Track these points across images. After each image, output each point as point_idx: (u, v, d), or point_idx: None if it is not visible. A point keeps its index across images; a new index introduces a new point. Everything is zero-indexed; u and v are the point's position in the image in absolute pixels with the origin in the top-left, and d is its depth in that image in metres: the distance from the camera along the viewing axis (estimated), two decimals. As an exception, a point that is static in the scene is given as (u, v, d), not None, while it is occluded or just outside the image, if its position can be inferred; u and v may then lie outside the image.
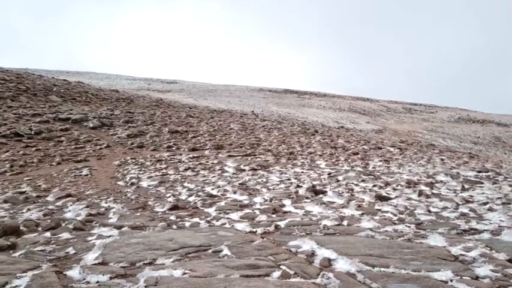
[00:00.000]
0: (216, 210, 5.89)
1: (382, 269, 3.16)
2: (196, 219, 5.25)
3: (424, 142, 26.12)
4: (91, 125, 16.92)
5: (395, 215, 5.42)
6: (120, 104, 23.44)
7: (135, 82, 53.44)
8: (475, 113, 56.51)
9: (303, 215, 5.50)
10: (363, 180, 8.34)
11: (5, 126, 15.05)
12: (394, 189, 7.47)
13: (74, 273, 3.08)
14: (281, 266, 3.20)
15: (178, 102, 29.85)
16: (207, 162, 11.64)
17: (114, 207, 6.40)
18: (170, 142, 14.97)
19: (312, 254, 3.57)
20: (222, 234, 4.21)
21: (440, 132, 39.10)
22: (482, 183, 8.08)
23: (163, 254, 3.50)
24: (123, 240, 3.99)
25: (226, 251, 3.61)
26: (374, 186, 7.79)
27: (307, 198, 6.74)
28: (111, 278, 2.95)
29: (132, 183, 9.00)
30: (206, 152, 13.39)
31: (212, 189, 7.87)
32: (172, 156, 12.58)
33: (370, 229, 4.48)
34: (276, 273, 3.04)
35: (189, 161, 11.74)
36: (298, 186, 7.76)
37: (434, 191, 7.25)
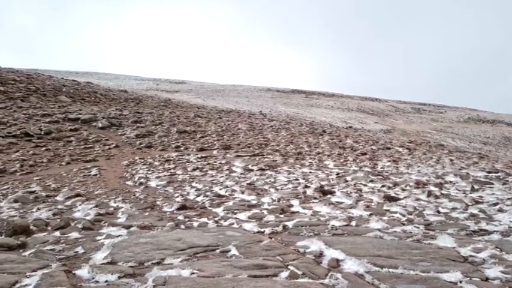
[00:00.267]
0: (224, 210, 5.90)
1: (390, 269, 3.15)
2: (204, 219, 5.26)
3: (433, 142, 25.94)
4: (100, 125, 17.02)
5: (404, 216, 5.39)
6: (129, 104, 23.55)
7: (144, 82, 53.66)
8: (485, 113, 56.04)
9: (311, 215, 5.49)
10: (371, 181, 8.31)
11: (15, 126, 15.19)
12: (403, 190, 7.43)
13: (83, 272, 3.10)
14: (289, 267, 3.20)
15: (187, 103, 29.92)
16: (215, 162, 11.66)
17: (122, 207, 6.44)
18: (178, 142, 15.01)
19: (320, 255, 3.56)
20: (230, 234, 4.22)
21: (449, 133, 38.83)
22: (492, 183, 8.01)
23: (172, 254, 3.51)
24: (131, 239, 4.01)
25: (234, 251, 3.61)
26: (382, 186, 7.76)
27: (315, 198, 6.73)
28: (119, 278, 2.97)
29: (141, 183, 9.04)
30: (214, 152, 13.41)
31: (220, 189, 7.88)
32: (181, 156, 12.62)
33: (379, 230, 4.46)
34: (284, 274, 3.04)
35: (197, 161, 11.76)
36: (306, 186, 7.75)
37: (443, 192, 7.19)
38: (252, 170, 10.23)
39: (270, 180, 8.66)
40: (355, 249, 3.61)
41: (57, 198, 7.62)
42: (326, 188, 7.50)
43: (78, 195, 7.67)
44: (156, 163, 11.63)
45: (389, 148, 15.78)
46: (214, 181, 8.88)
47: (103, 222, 5.11)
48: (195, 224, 4.99)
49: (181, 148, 14.19)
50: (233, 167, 10.83)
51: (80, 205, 6.58)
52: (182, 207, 6.14)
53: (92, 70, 65.57)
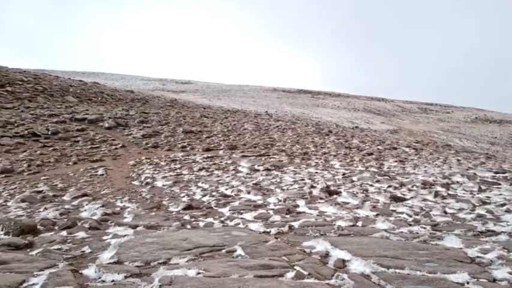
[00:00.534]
0: (230, 210, 5.90)
1: (397, 270, 3.13)
2: (210, 219, 5.27)
3: (440, 142, 25.82)
4: (106, 125, 17.09)
5: (410, 216, 5.36)
6: (135, 104, 23.64)
7: (150, 82, 53.81)
8: (492, 113, 55.67)
9: (317, 215, 5.48)
10: (377, 181, 8.28)
11: (23, 126, 15.29)
12: (410, 190, 7.40)
13: (89, 272, 3.12)
14: (295, 267, 3.20)
15: (193, 103, 29.98)
16: (221, 162, 11.67)
17: (129, 207, 6.46)
18: (184, 142, 15.04)
19: (326, 255, 3.55)
20: (236, 234, 4.22)
21: (456, 133, 38.62)
22: (500, 184, 7.96)
23: (178, 254, 3.52)
24: (138, 239, 4.02)
25: (240, 251, 3.61)
26: (389, 186, 7.73)
27: (321, 198, 6.71)
28: (126, 277, 2.98)
29: (147, 183, 9.06)
30: (220, 152, 13.43)
31: (226, 189, 7.89)
32: (187, 156, 12.64)
33: (385, 230, 4.44)
34: (290, 274, 3.03)
35: (203, 161, 11.78)
36: (312, 186, 7.73)
37: (450, 192, 7.16)
38: (258, 170, 10.23)
39: (276, 181, 8.65)
40: (362, 250, 3.60)
41: (64, 198, 7.66)
42: (332, 188, 7.48)
43: (84, 195, 7.71)
44: (162, 163, 11.66)
45: (395, 148, 15.72)
46: (220, 181, 8.89)
47: (109, 222, 5.13)
48: (201, 224, 5.00)
49: (188, 148, 14.22)
50: (239, 167, 10.83)
51: (87, 205, 6.61)
52: (188, 207, 6.15)
53: (98, 70, 65.85)
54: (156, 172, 10.35)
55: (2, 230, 4.51)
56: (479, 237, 4.22)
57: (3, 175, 10.27)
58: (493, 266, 3.26)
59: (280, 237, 4.22)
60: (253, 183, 8.32)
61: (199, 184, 8.67)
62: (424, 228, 4.66)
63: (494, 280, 2.98)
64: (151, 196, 7.59)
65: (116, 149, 13.74)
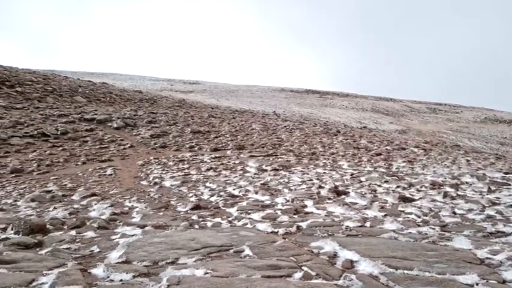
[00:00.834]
0: (237, 210, 5.91)
1: (405, 271, 3.11)
2: (218, 219, 5.28)
3: (449, 143, 25.65)
4: (115, 125, 17.18)
5: (419, 217, 5.33)
6: (144, 104, 23.73)
7: (158, 83, 54.02)
8: (502, 113, 55.21)
9: (325, 215, 5.47)
10: (386, 181, 8.24)
11: (33, 126, 15.42)
12: (418, 191, 7.35)
13: (98, 271, 3.13)
14: (303, 267, 3.19)
15: (201, 103, 30.04)
16: (228, 162, 11.68)
17: (137, 207, 6.49)
18: (192, 142, 15.08)
19: (334, 256, 3.54)
20: (244, 234, 4.22)
21: (465, 133, 38.35)
22: (510, 184, 7.88)
23: (186, 254, 3.53)
24: (146, 239, 4.04)
25: (247, 251, 3.61)
26: (397, 187, 7.69)
27: (329, 199, 6.70)
28: (134, 277, 2.99)
29: (155, 183, 9.10)
30: (228, 152, 13.44)
31: (234, 189, 7.89)
32: (195, 157, 12.67)
33: (394, 231, 4.42)
34: (298, 274, 3.03)
35: (211, 161, 11.80)
36: (320, 186, 7.71)
37: (459, 193, 7.10)
38: (265, 170, 10.23)
39: (283, 181, 8.64)
40: (370, 251, 3.58)
41: (73, 197, 7.71)
42: (340, 188, 7.46)
43: (93, 194, 7.76)
44: (171, 163, 11.70)
45: (404, 148, 15.64)
46: (228, 181, 8.90)
47: (118, 221, 5.15)
48: (209, 224, 5.00)
49: (195, 148, 14.25)
50: (247, 167, 10.83)
51: (96, 204, 6.65)
52: (196, 207, 6.17)
53: (107, 71, 66.21)
54: (164, 172, 10.39)
55: (12, 230, 4.55)
56: (489, 238, 4.19)
57: (14, 175, 10.37)
58: (503, 267, 3.23)
59: (288, 237, 4.22)
60: (261, 184, 8.32)
61: (207, 184, 8.69)
62: (433, 229, 4.63)
63: (504, 282, 2.95)
64: (159, 196, 7.61)
65: (125, 149, 13.81)
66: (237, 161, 11.77)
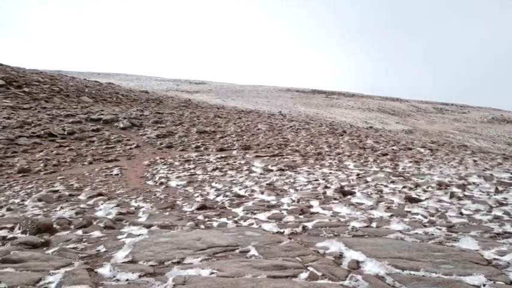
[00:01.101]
0: (243, 211, 5.90)
1: (412, 272, 3.10)
2: (223, 219, 5.28)
3: (455, 143, 25.52)
4: (121, 125, 17.25)
5: (425, 217, 5.30)
6: (150, 104, 23.81)
7: (164, 83, 54.17)
8: (509, 113, 54.83)
9: (331, 216, 5.45)
10: (392, 182, 8.21)
11: (40, 126, 15.51)
12: (425, 191, 7.32)
13: (104, 270, 3.15)
14: (309, 268, 3.18)
15: (206, 103, 30.09)
16: (234, 162, 11.69)
17: (143, 207, 6.51)
18: (198, 142, 15.11)
19: (340, 256, 3.53)
20: (250, 234, 4.22)
21: (472, 133, 38.14)
22: (517, 185, 7.83)
23: (191, 254, 3.53)
24: (152, 239, 4.05)
25: (253, 251, 3.61)
26: (404, 187, 7.66)
27: (335, 199, 6.68)
28: (140, 276, 3.00)
29: (161, 183, 9.12)
30: (234, 152, 13.45)
31: (240, 189, 7.89)
32: (201, 157, 12.69)
33: (400, 231, 4.40)
34: (304, 275, 3.02)
35: (217, 161, 11.82)
36: (326, 187, 7.69)
37: (466, 193, 7.06)
38: (271, 171, 10.22)
39: (289, 181, 8.64)
40: (376, 251, 3.57)
41: (80, 197, 7.75)
42: (346, 188, 7.44)
43: (100, 194, 7.79)
44: (177, 163, 11.72)
45: (410, 149, 15.58)
46: (234, 181, 8.91)
47: (124, 221, 5.17)
48: (215, 224, 5.01)
49: (201, 148, 14.28)
50: (252, 167, 10.84)
51: (102, 204, 6.68)
52: (202, 207, 6.17)
53: (113, 71, 66.46)
54: (170, 172, 10.41)
55: (19, 229, 4.58)
56: (496, 239, 4.16)
57: (21, 174, 10.44)
58: (510, 268, 3.20)
59: (294, 237, 4.21)
60: (267, 184, 8.32)
61: (213, 184, 8.70)
62: (440, 229, 4.60)
63: (511, 283, 2.93)
64: (165, 196, 7.63)
65: (131, 149, 13.86)
66: (242, 161, 11.77)
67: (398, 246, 3.73)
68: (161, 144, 14.77)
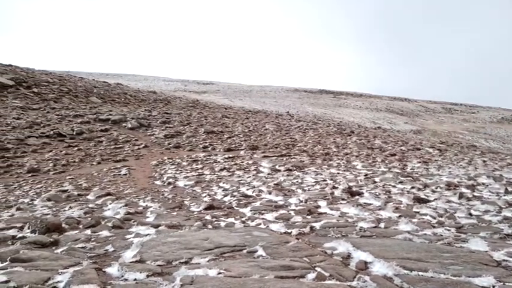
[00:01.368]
0: (251, 211, 5.90)
1: (420, 273, 3.08)
2: (231, 219, 5.28)
3: (465, 143, 25.34)
4: (130, 125, 17.33)
5: (434, 218, 5.27)
6: (158, 105, 23.89)
7: (172, 83, 54.33)
8: (519, 112, 54.35)
9: (339, 216, 5.44)
10: (400, 182, 8.17)
11: (49, 127, 15.63)
12: (433, 192, 7.27)
13: (112, 270, 3.16)
14: (316, 268, 3.17)
15: (214, 103, 30.14)
16: (242, 162, 11.70)
17: (151, 206, 6.53)
18: (206, 142, 15.13)
19: (348, 257, 3.52)
20: (257, 234, 4.21)
21: (482, 133, 37.85)
22: (527, 186, 7.76)
23: (199, 254, 3.53)
24: (160, 239, 4.06)
25: (261, 252, 3.60)
26: (412, 188, 7.61)
27: (343, 199, 6.66)
28: (148, 276, 3.00)
29: (169, 183, 9.15)
30: (241, 153, 13.46)
31: (247, 189, 7.89)
32: (208, 157, 12.71)
33: (408, 232, 4.37)
34: (311, 275, 3.01)
35: (225, 161, 11.83)
36: (333, 187, 7.67)
37: (475, 194, 7.01)
38: (279, 171, 10.22)
39: (297, 181, 8.62)
40: (384, 252, 3.55)
41: (89, 197, 7.79)
42: (354, 189, 7.41)
43: (108, 194, 7.83)
44: (184, 163, 11.75)
45: (419, 149, 15.50)
46: (242, 181, 8.91)
47: (132, 221, 5.19)
48: (222, 224, 5.01)
49: (209, 148, 14.31)
50: (260, 167, 10.83)
51: (110, 204, 6.71)
52: (209, 207, 6.18)
53: (121, 72, 66.80)
54: (178, 172, 10.44)
55: (29, 228, 4.61)
56: (506, 240, 4.12)
57: (30, 174, 10.53)
58: (520, 269, 3.17)
59: (302, 238, 4.20)
60: (275, 184, 8.31)
61: (221, 184, 8.71)
62: (449, 230, 4.57)
63: (521, 284, 2.90)
64: (173, 196, 7.65)
65: (139, 149, 13.92)
66: (250, 161, 11.78)
67: (406, 247, 3.70)
68: (169, 144, 14.81)
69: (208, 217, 5.45)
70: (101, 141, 14.68)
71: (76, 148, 13.57)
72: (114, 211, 6.01)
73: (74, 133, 15.11)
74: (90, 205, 6.76)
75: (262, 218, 5.33)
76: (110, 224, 4.86)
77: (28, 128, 15.12)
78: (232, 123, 19.76)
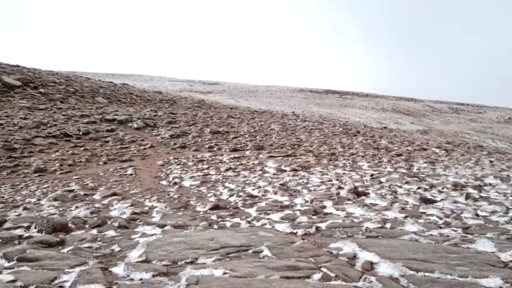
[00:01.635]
0: (256, 211, 5.90)
1: (426, 273, 3.06)
2: (237, 219, 5.28)
3: (471, 143, 25.20)
4: (135, 125, 17.38)
5: (440, 219, 5.24)
6: (163, 105, 23.96)
7: (178, 83, 54.44)
8: (527, 112, 53.97)
9: (345, 216, 5.42)
10: (406, 182, 8.14)
11: (55, 127, 15.71)
12: (440, 192, 7.24)
13: (118, 270, 3.16)
14: (322, 268, 3.16)
15: (220, 103, 30.17)
16: (247, 162, 11.70)
17: (157, 206, 6.54)
18: (212, 142, 15.15)
19: (354, 257, 3.51)
20: (263, 234, 4.21)
21: (489, 133, 37.63)
22: (535, 186, 7.70)
23: (205, 254, 3.54)
24: (165, 238, 4.06)
25: (266, 252, 3.60)
26: (418, 188, 7.58)
27: (348, 199, 6.64)
28: (153, 276, 3.01)
29: (175, 183, 9.16)
30: (247, 153, 13.46)
31: (253, 189, 7.89)
32: (214, 157, 12.72)
33: (414, 232, 4.35)
34: (317, 276, 3.00)
35: (230, 162, 11.83)
36: (339, 187, 7.65)
37: (482, 194, 6.97)
38: (284, 171, 10.20)
39: (302, 181, 8.61)
40: (390, 252, 3.54)
41: (95, 197, 7.82)
42: (360, 189, 7.39)
43: (114, 194, 7.85)
44: (190, 163, 11.77)
45: (425, 149, 15.44)
46: (247, 181, 8.91)
47: (138, 221, 5.20)
48: (228, 224, 5.01)
49: (215, 148, 14.32)
50: (266, 167, 10.83)
51: (116, 204, 6.73)
52: (215, 207, 6.18)
53: (127, 72, 67.03)
54: (183, 172, 10.46)
55: (35, 228, 4.63)
56: (513, 241, 4.09)
57: (37, 174, 10.59)
58: (528, 271, 3.15)
59: (307, 238, 4.19)
60: (280, 184, 8.30)
61: (226, 184, 8.71)
62: (455, 231, 4.55)
63: (528, 285, 2.88)
64: (179, 196, 7.67)
65: (145, 149, 13.96)
66: (256, 162, 11.77)
67: (412, 248, 3.69)
68: (175, 144, 14.84)
69: (214, 217, 5.45)
70: (107, 141, 14.73)
71: (82, 148, 13.63)
72: (120, 211, 6.03)
73: (80, 133, 15.18)
74: (96, 205, 6.78)
75: (268, 218, 5.32)
76: (116, 224, 4.88)
77: (35, 128, 15.21)
78: (237, 123, 19.77)
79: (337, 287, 2.84)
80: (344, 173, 9.64)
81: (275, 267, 3.16)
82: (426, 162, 11.76)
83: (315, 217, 5.36)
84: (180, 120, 19.20)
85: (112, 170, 10.97)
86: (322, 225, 4.71)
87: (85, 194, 8.06)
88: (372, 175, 9.20)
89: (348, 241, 3.90)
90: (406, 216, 5.33)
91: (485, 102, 62.24)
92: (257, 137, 16.39)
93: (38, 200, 7.70)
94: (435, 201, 6.40)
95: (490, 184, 8.01)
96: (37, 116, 17.05)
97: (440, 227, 4.74)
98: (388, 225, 4.77)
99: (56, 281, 2.90)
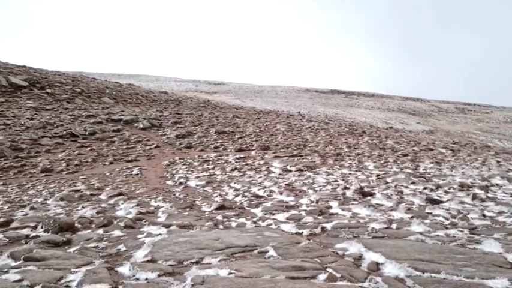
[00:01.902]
0: (262, 211, 5.89)
1: (432, 274, 3.05)
2: (242, 220, 5.28)
3: (478, 143, 25.06)
4: (141, 125, 17.43)
5: (447, 219, 5.21)
6: (169, 105, 24.01)
7: (183, 84, 54.54)
8: (534, 112, 53.58)
9: (350, 217, 5.40)
10: (413, 183, 8.10)
11: (62, 127, 15.79)
12: (446, 192, 7.20)
13: (124, 269, 3.17)
14: (327, 269, 3.16)
15: (225, 103, 30.20)
16: (253, 162, 11.70)
17: (163, 206, 6.55)
18: (217, 143, 15.16)
19: (359, 257, 3.50)
20: (268, 235, 4.21)
21: (496, 133, 37.40)
22: (543, 187, 7.65)
23: (210, 254, 3.54)
24: (171, 238, 4.07)
25: (272, 252, 3.60)
26: (425, 188, 7.55)
27: (354, 200, 6.61)
28: (159, 276, 3.02)
29: (181, 183, 9.18)
30: (252, 153, 13.46)
31: (258, 189, 7.89)
32: (219, 157, 12.73)
33: (421, 233, 4.33)
34: (322, 276, 3.00)
35: (236, 162, 11.83)
36: (345, 187, 7.63)
37: (489, 195, 6.93)
38: (290, 171, 10.19)
39: (308, 181, 8.59)
40: (396, 253, 3.52)
41: (101, 196, 7.85)
42: (366, 189, 7.36)
43: (120, 194, 7.88)
44: (196, 163, 11.79)
45: (432, 149, 15.37)
46: (253, 181, 8.91)
47: (144, 221, 5.21)
48: (234, 224, 5.01)
49: (220, 148, 14.33)
50: (271, 167, 10.82)
51: (122, 204, 6.75)
52: (221, 207, 6.19)
53: (133, 72, 67.24)
54: (189, 172, 10.47)
55: (42, 228, 4.66)
56: (520, 241, 4.06)
57: (44, 174, 10.64)
58: (535, 272, 3.13)
59: (313, 238, 4.18)
60: (286, 184, 8.29)
61: (232, 184, 8.71)
62: (462, 231, 4.52)
63: (536, 287, 2.86)
64: (184, 196, 7.68)
65: (151, 149, 14.00)
66: (261, 162, 11.77)
67: (418, 248, 3.67)
68: (180, 144, 14.87)
69: (219, 217, 5.46)
70: (113, 142, 14.79)
71: (89, 148, 13.68)
72: (126, 211, 6.04)
73: (87, 133, 15.25)
74: (103, 205, 6.81)
75: (273, 219, 5.32)
76: (121, 224, 4.89)
77: (41, 128, 15.30)
78: (243, 123, 19.78)
79: (343, 287, 2.83)
80: (350, 173, 9.61)
81: (281, 268, 3.16)
82: (432, 163, 11.71)
83: (320, 217, 5.35)
84: (186, 121, 19.24)
85: (118, 170, 11.01)
86: (328, 226, 4.70)
87: (91, 194, 8.09)
88: (377, 175, 9.17)
89: (353, 241, 3.89)
90: (412, 217, 5.31)
91: (492, 102, 61.92)
92: (263, 137, 16.39)
93: (45, 199, 7.74)
94: (441, 202, 6.36)
95: (497, 184, 7.96)
96: (44, 116, 17.15)
97: (447, 228, 4.72)
98: (394, 226, 4.75)
99: (62, 281, 2.91)
